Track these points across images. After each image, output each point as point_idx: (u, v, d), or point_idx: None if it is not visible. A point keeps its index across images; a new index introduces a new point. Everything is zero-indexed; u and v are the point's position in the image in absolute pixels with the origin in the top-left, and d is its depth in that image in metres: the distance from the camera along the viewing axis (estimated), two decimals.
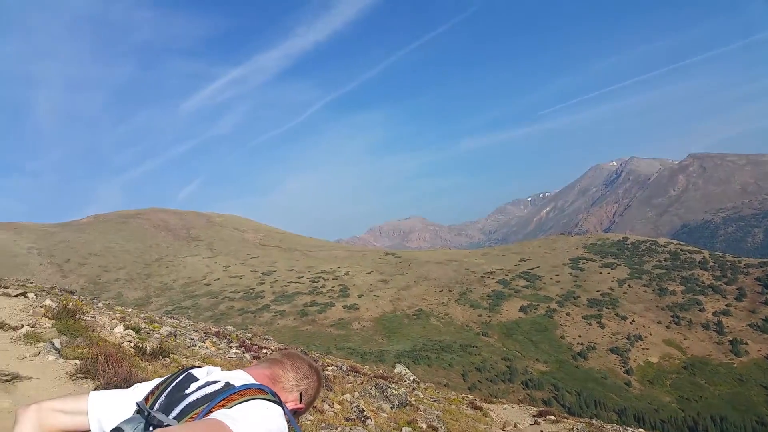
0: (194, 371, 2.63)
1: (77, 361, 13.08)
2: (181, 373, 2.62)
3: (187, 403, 2.63)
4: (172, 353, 16.70)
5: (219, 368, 2.49)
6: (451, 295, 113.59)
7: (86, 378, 12.55)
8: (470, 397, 20.41)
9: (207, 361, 17.65)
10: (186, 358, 17.33)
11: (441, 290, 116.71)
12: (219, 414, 2.59)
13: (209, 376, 2.50)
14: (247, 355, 20.76)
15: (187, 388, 2.49)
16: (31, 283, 27.29)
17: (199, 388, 2.49)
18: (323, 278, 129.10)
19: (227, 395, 2.64)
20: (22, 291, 19.28)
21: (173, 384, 2.49)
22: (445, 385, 43.75)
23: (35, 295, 19.75)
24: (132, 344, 16.27)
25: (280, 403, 2.50)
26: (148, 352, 15.82)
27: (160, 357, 15.67)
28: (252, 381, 2.48)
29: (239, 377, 2.57)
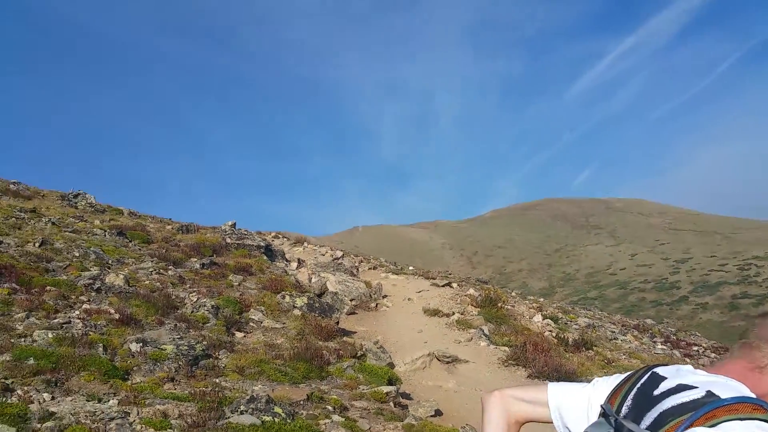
0: (660, 370, 2.17)
1: (506, 348, 14.26)
2: (645, 372, 2.20)
3: (661, 411, 2.10)
4: (595, 345, 16.54)
5: (690, 367, 2.11)
6: None
7: (517, 365, 13.52)
8: None
9: (633, 356, 16.81)
10: (610, 351, 16.91)
11: None
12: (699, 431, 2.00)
13: (681, 378, 2.11)
14: (675, 352, 18.99)
15: (655, 390, 2.13)
16: (450, 274, 31.55)
17: (671, 392, 2.10)
18: (755, 265, 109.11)
19: (712, 408, 1.97)
20: (447, 281, 22.34)
21: (638, 385, 2.17)
22: None
23: (458, 285, 22.64)
24: (553, 334, 16.87)
25: None
26: (570, 342, 16.12)
27: (583, 348, 15.70)
28: (744, 392, 1.95)
29: (724, 385, 2.01)
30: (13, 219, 15.38)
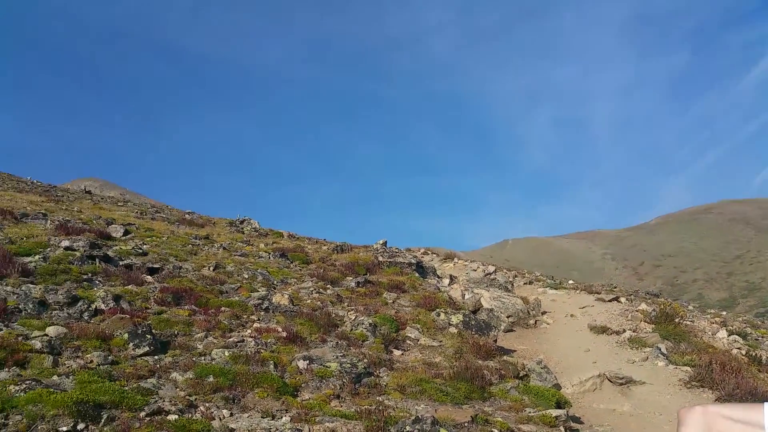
0: None
1: (688, 368, 12.83)
2: None
3: None
4: None
5: None
6: None
7: (702, 387, 12.10)
8: None
9: None
10: None
11: None
12: None
13: None
14: None
15: None
16: (615, 288, 29.38)
17: None
18: None
19: None
20: (614, 296, 20.80)
21: None
22: None
23: (626, 299, 20.98)
24: (742, 351, 14.93)
25: None
26: (763, 361, 14.13)
27: None
28: None
29: None
30: (190, 246, 17.13)
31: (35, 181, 37.15)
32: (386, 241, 22.02)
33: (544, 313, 17.84)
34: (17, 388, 5.94)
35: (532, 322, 16.77)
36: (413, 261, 19.18)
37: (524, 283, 24.04)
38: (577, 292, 21.95)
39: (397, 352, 11.23)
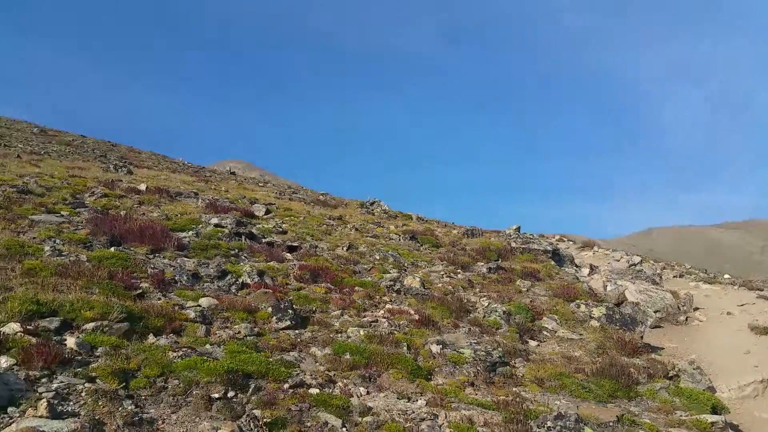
0: None
1: None
2: None
3: None
4: None
5: None
6: None
7: None
8: None
9: None
10: None
11: None
12: None
13: None
14: None
15: None
16: None
17: None
18: None
19: None
20: None
21: None
22: None
23: None
24: None
25: None
26: None
27: None
28: None
29: None
30: (325, 226, 17.77)
31: (186, 162, 40.72)
32: (519, 227, 21.35)
33: (696, 309, 16.32)
34: (175, 354, 6.45)
35: (682, 318, 15.40)
36: (549, 248, 18.41)
37: (674, 276, 22.19)
38: (735, 287, 19.84)
39: (532, 343, 10.83)
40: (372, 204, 25.80)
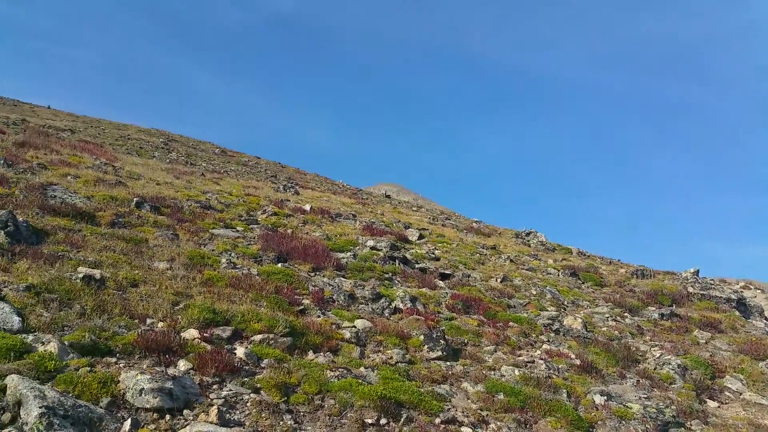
0: None
1: None
2: None
3: None
4: None
5: None
6: None
7: None
8: None
9: None
10: None
11: None
12: None
13: None
14: None
15: None
16: None
17: None
18: None
19: None
20: None
21: None
22: None
23: None
24: None
25: None
26: None
27: None
28: None
29: None
30: (478, 254, 17.55)
31: (345, 184, 42.85)
32: (698, 270, 19.35)
33: None
34: (332, 374, 6.68)
35: None
36: (733, 296, 16.42)
37: None
38: None
39: (712, 404, 9.64)
40: (528, 234, 25.03)
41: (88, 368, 5.34)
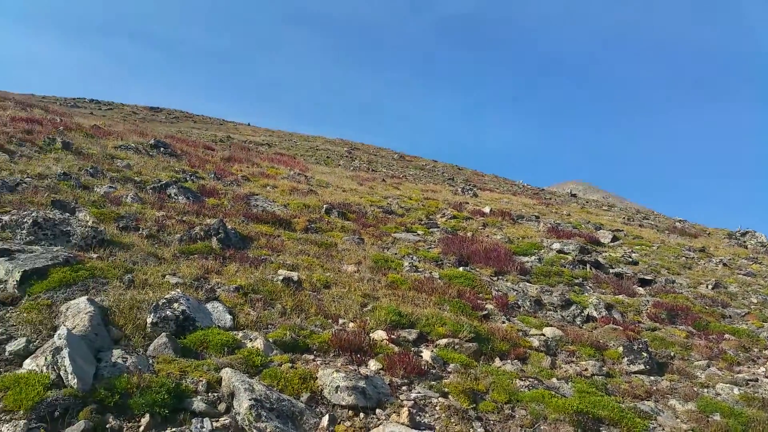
0: None
1: None
2: None
3: None
4: None
5: None
6: None
7: None
8: None
9: None
10: None
11: None
12: None
13: None
14: None
15: None
16: None
17: None
18: None
19: None
20: None
21: None
22: None
23: None
24: None
25: None
26: None
27: None
28: None
29: None
30: (683, 258, 15.93)
31: (525, 184, 41.79)
32: None
33: None
34: (521, 383, 6.47)
35: None
36: None
37: None
38: None
39: None
40: (743, 234, 22.18)
41: (289, 364, 5.78)
